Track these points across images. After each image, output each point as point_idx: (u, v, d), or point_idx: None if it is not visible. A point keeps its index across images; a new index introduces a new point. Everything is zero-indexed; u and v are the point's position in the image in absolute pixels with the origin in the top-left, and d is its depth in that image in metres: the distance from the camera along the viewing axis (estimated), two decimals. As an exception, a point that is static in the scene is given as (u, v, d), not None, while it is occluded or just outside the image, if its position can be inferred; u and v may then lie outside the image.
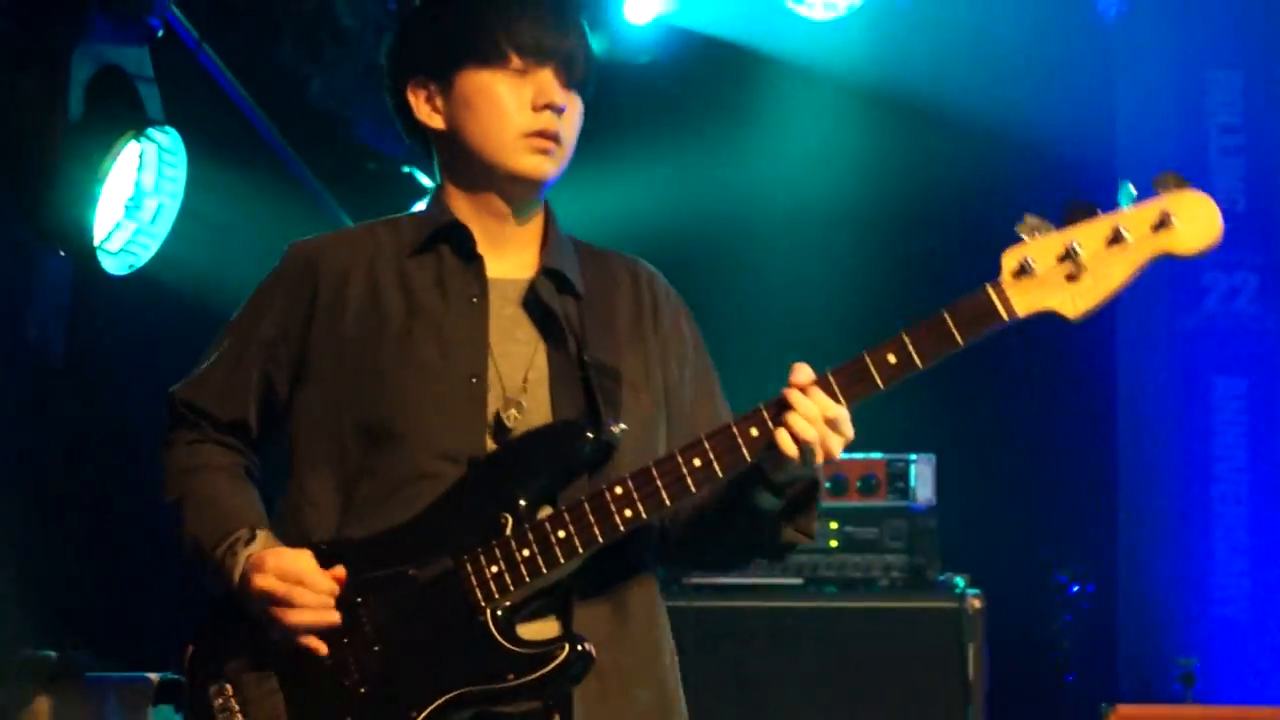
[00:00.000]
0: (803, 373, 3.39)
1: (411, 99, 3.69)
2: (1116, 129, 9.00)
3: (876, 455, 6.81)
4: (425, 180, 8.10)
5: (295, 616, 3.46)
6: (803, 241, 8.54)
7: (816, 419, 3.35)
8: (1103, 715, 6.56)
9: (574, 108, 3.67)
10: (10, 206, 5.69)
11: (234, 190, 7.17)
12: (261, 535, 3.57)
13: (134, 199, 5.91)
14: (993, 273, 3.41)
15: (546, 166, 3.62)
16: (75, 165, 5.62)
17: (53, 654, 4.97)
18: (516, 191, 3.65)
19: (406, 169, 8.04)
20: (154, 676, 5.08)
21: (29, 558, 6.33)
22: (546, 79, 3.60)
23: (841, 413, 3.37)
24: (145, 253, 5.99)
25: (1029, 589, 7.60)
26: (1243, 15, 8.88)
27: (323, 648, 3.46)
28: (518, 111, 3.59)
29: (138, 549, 7.15)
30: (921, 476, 6.82)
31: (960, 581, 6.64)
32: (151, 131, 5.85)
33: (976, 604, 6.51)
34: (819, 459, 3.38)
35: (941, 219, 8.63)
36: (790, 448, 3.35)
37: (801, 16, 8.42)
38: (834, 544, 6.67)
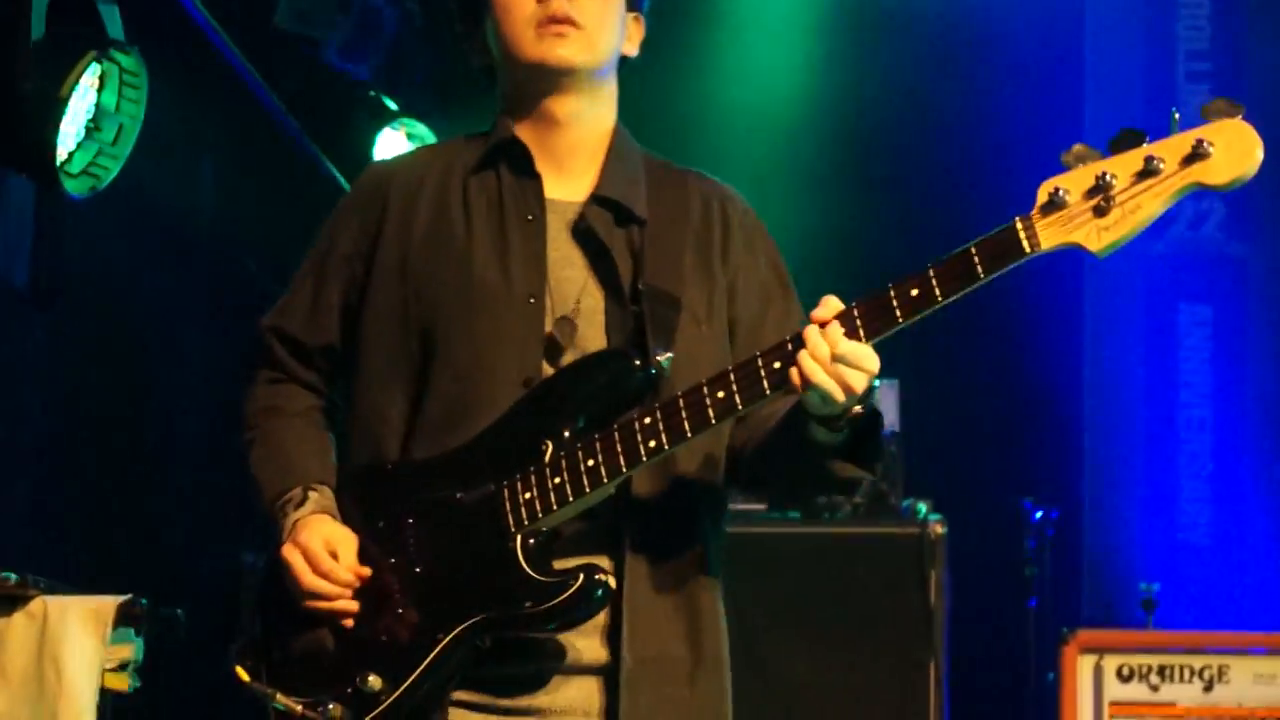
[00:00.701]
0: (825, 306, 3.33)
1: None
2: (1085, 52, 8.98)
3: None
4: (392, 104, 8.06)
5: (309, 602, 3.52)
6: (766, 152, 8.52)
7: (824, 359, 3.26)
8: (1064, 639, 6.60)
9: None
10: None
11: (197, 112, 7.14)
12: (314, 496, 3.60)
13: (94, 119, 5.87)
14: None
15: (563, 51, 3.58)
16: (37, 87, 5.59)
17: (13, 576, 4.95)
18: (552, 85, 3.62)
19: (374, 93, 7.99)
20: (114, 599, 5.05)
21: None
22: None
23: (853, 349, 3.27)
24: (106, 175, 5.96)
25: (993, 515, 7.62)
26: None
27: (342, 625, 3.52)
28: (524, 3, 3.57)
29: (100, 473, 7.18)
30: (885, 401, 6.78)
31: (922, 508, 6.65)
32: (113, 51, 5.81)
33: (939, 530, 6.51)
34: (839, 397, 3.28)
35: (907, 131, 8.61)
36: (800, 386, 3.29)
37: None
38: (796, 468, 6.68)
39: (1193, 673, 6.58)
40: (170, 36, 6.64)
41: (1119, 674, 6.57)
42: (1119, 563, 8.37)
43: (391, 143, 7.92)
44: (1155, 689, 6.57)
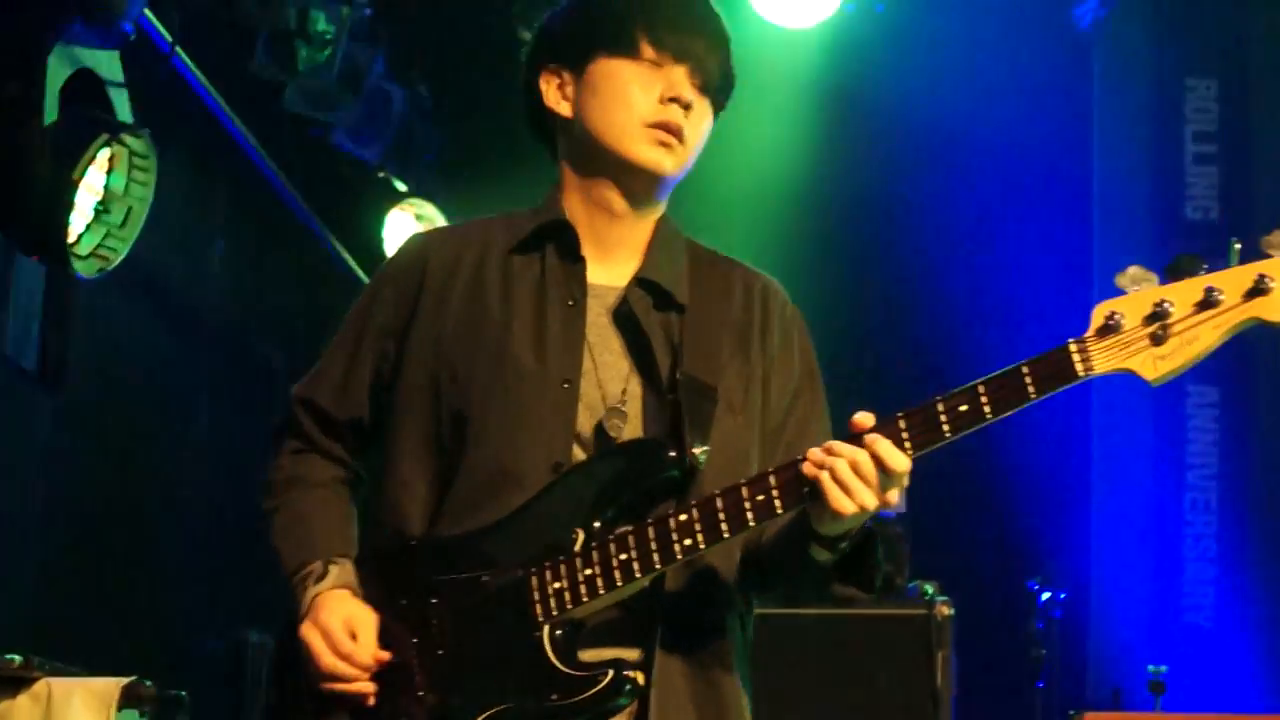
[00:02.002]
0: (863, 419, 3.26)
1: (543, 85, 3.64)
2: (1092, 135, 9.02)
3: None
4: (400, 185, 8.11)
5: (324, 683, 3.48)
6: (754, 235, 8.55)
7: (870, 476, 3.20)
8: (1073, 721, 6.59)
9: (703, 112, 3.60)
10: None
11: (207, 193, 7.19)
12: (334, 571, 3.56)
13: (103, 202, 5.91)
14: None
15: (666, 161, 3.55)
16: (49, 169, 5.62)
17: (17, 658, 4.96)
18: (634, 185, 3.59)
19: (382, 174, 8.05)
20: (118, 680, 5.06)
21: (-2, 563, 6.36)
22: (678, 75, 3.54)
23: (902, 465, 3.21)
24: (115, 256, 5.98)
25: (1000, 597, 7.63)
26: (1218, 23, 8.92)
27: (343, 706, 3.48)
28: (644, 100, 3.54)
29: (107, 557, 7.19)
30: (890, 482, 6.80)
31: (929, 589, 6.63)
32: (123, 135, 5.85)
33: (945, 611, 6.51)
34: (871, 509, 3.22)
35: (920, 227, 8.64)
36: (829, 493, 3.21)
37: (772, 24, 8.34)
38: (803, 549, 6.68)
39: (1203, 757, 6.58)
40: (181, 118, 6.69)
41: (1128, 757, 6.57)
42: (1126, 644, 8.35)
43: (400, 223, 7.97)
44: (1163, 772, 6.57)
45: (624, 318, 3.56)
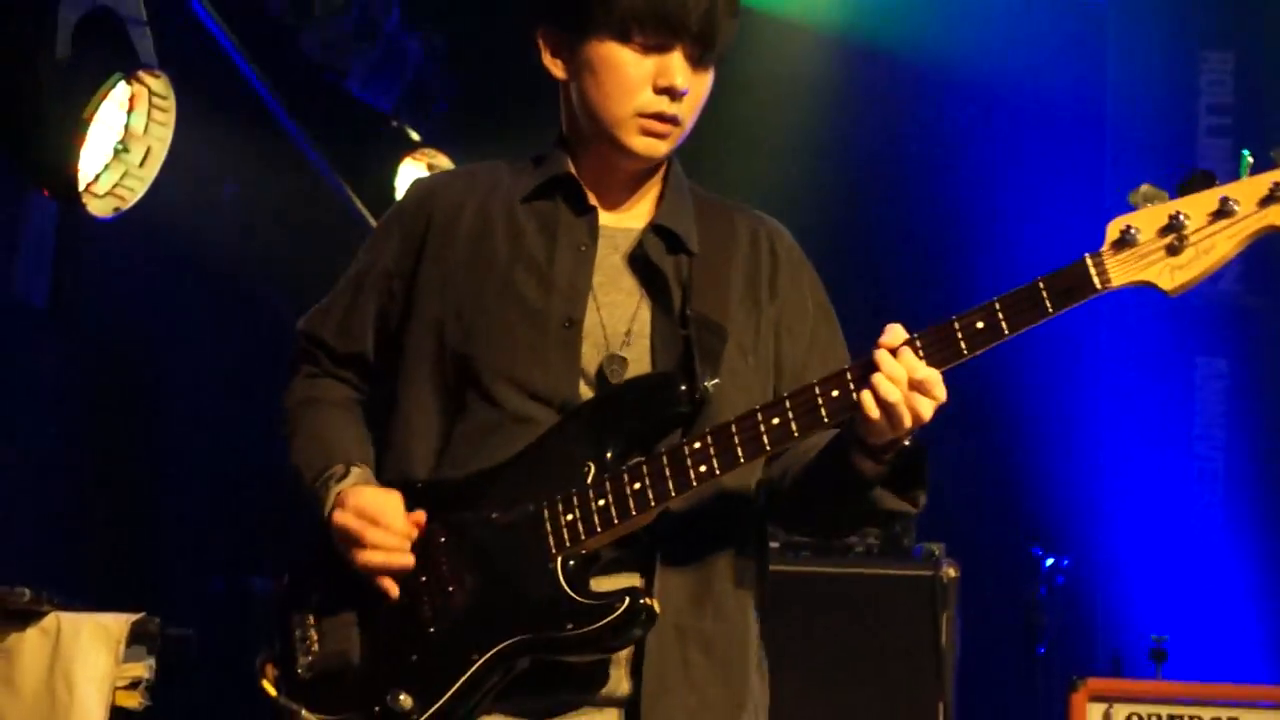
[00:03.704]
0: (894, 334, 3.29)
1: (541, 42, 3.62)
2: (1106, 105, 9.02)
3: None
4: (414, 135, 8.10)
5: (367, 556, 3.47)
6: (785, 190, 8.55)
7: (901, 381, 3.22)
8: (1073, 687, 6.59)
9: (700, 85, 3.57)
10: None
11: (222, 138, 7.18)
12: (356, 471, 3.58)
13: (123, 141, 5.91)
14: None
15: (658, 148, 3.56)
16: (60, 105, 5.61)
17: (27, 591, 4.98)
18: (631, 162, 3.59)
19: (396, 123, 8.04)
20: (128, 617, 5.08)
21: (10, 497, 6.36)
22: (674, 60, 3.51)
23: (930, 374, 3.23)
24: (132, 196, 5.99)
25: (1005, 561, 7.65)
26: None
27: (393, 589, 3.46)
28: (637, 89, 3.51)
29: (113, 495, 7.20)
30: (900, 444, 6.81)
31: (935, 550, 6.64)
32: (142, 74, 5.85)
33: (951, 573, 6.52)
34: (907, 423, 3.23)
35: (928, 185, 8.64)
36: (873, 410, 3.23)
37: None
38: (810, 508, 6.70)
39: (1202, 724, 6.59)
40: (197, 63, 6.68)
41: (1128, 722, 6.58)
42: (1129, 612, 8.38)
43: (412, 173, 7.96)
44: (1164, 738, 6.58)
45: (639, 260, 3.58)
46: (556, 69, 3.61)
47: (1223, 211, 3.17)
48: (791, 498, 3.58)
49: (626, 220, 3.64)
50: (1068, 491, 8.62)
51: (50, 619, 5.03)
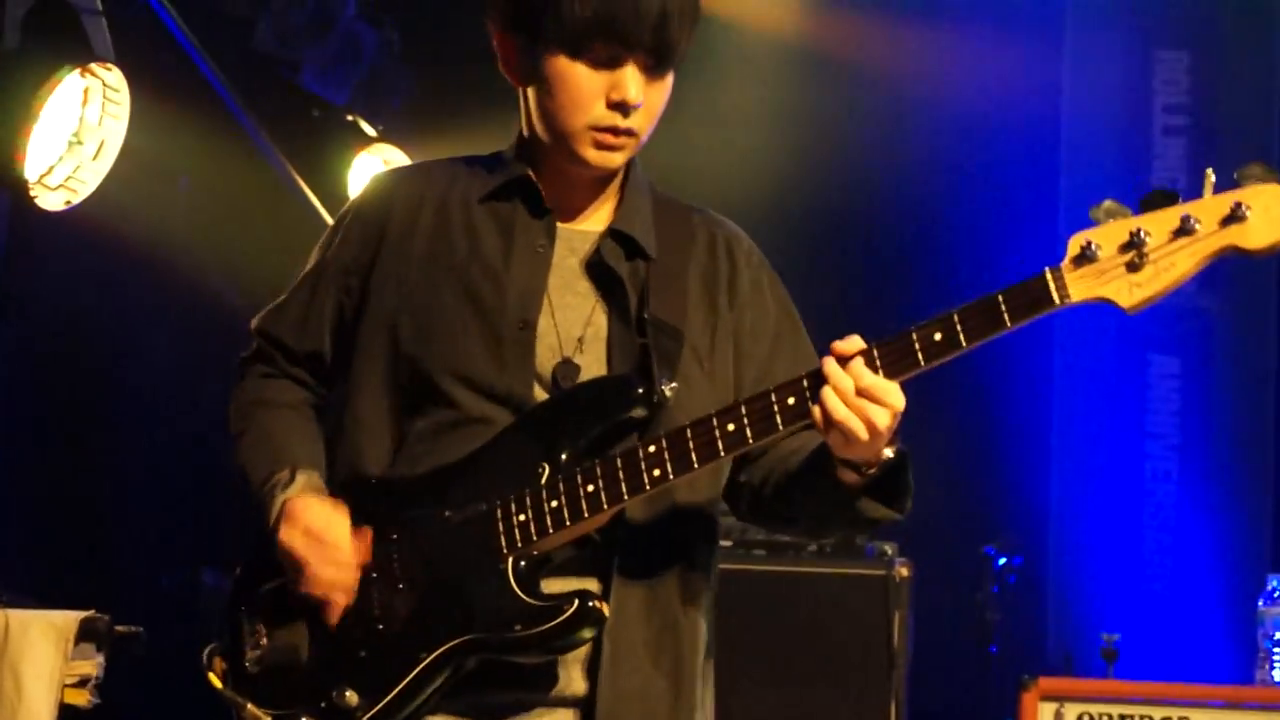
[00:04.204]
0: (849, 343, 3.27)
1: (497, 44, 3.58)
2: (1061, 104, 9.03)
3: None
4: (369, 129, 8.07)
5: (310, 585, 3.45)
6: (740, 203, 8.55)
7: (848, 392, 3.20)
8: (1024, 686, 6.60)
9: (657, 95, 3.53)
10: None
11: (176, 131, 7.14)
12: (302, 478, 3.54)
13: (77, 133, 5.87)
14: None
15: (613, 159, 3.53)
16: (7, 95, 5.58)
17: (-28, 589, 4.96)
18: (586, 171, 3.56)
19: (351, 117, 8.01)
20: (77, 614, 5.05)
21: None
22: (627, 74, 3.46)
23: (877, 382, 3.21)
24: (84, 189, 5.94)
25: (957, 560, 7.65)
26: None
27: (335, 609, 3.44)
28: (590, 103, 3.46)
29: (60, 489, 7.16)
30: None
31: (888, 549, 6.65)
32: (94, 67, 5.81)
33: (904, 572, 6.53)
34: (862, 435, 3.21)
35: (882, 185, 8.64)
36: (822, 424, 3.22)
37: None
38: (764, 507, 6.70)
39: (1153, 723, 6.61)
40: (151, 55, 6.64)
41: (1079, 722, 6.59)
42: (1081, 611, 8.41)
43: (367, 167, 7.93)
44: (1115, 738, 6.60)
45: (595, 266, 3.56)
46: (512, 75, 3.57)
47: (1184, 229, 3.15)
48: (776, 505, 3.57)
49: (584, 224, 3.61)
50: (1020, 491, 8.65)
51: (-1, 617, 5.00)
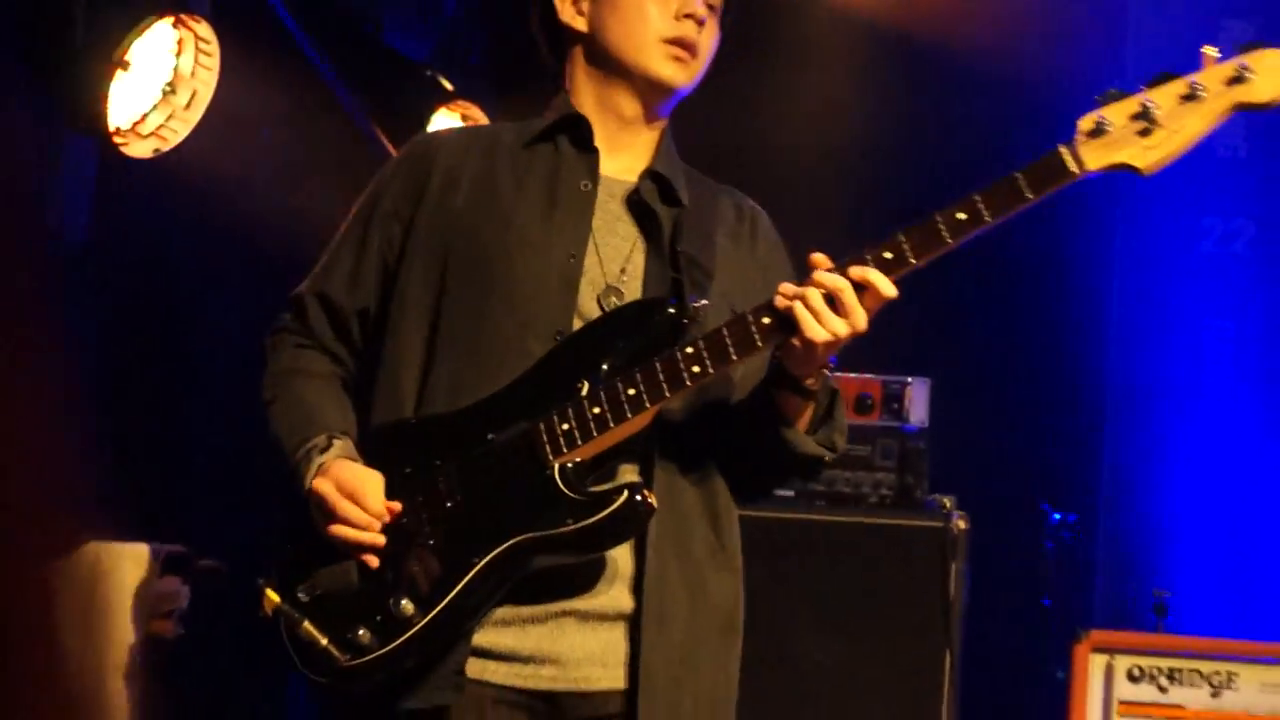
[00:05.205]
0: (819, 258, 3.45)
1: (558, 0, 3.75)
2: (1127, 68, 8.98)
3: (872, 376, 6.82)
4: (447, 85, 8.10)
5: (338, 530, 3.51)
6: (819, 176, 8.53)
7: (845, 299, 3.36)
8: (1077, 638, 6.62)
9: (712, 25, 3.73)
10: (37, 86, 5.70)
11: (261, 84, 7.18)
12: (339, 443, 3.61)
13: (170, 84, 5.91)
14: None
15: (680, 75, 3.69)
16: (94, 43, 5.62)
17: (69, 521, 5.01)
18: (649, 96, 3.72)
19: (430, 73, 8.03)
20: (162, 548, 5.12)
21: (51, 429, 6.38)
22: None
23: (883, 285, 3.37)
24: (175, 138, 5.99)
25: (1013, 515, 7.66)
26: (1259, -34, 8.89)
27: (371, 561, 3.51)
28: (660, 17, 3.65)
29: (151, 426, 7.23)
30: (916, 399, 6.82)
31: (947, 503, 6.66)
32: (186, 18, 5.85)
33: (961, 525, 6.54)
34: (840, 334, 3.36)
35: (948, 163, 8.61)
36: (803, 320, 3.37)
37: None
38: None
39: (1202, 677, 6.59)
40: (239, 10, 6.68)
41: (1129, 675, 6.58)
42: (1133, 567, 8.40)
43: (445, 123, 7.95)
44: (1164, 691, 6.59)
45: (635, 203, 3.69)
46: (578, 21, 3.73)
47: (1191, 95, 3.29)
48: (726, 462, 3.67)
49: (623, 173, 3.74)
50: (1076, 451, 8.64)
51: (90, 549, 5.05)
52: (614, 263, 3.63)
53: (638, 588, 3.54)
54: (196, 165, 6.66)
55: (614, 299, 3.59)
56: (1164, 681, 6.60)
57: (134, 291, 7.19)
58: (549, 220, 3.63)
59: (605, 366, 3.48)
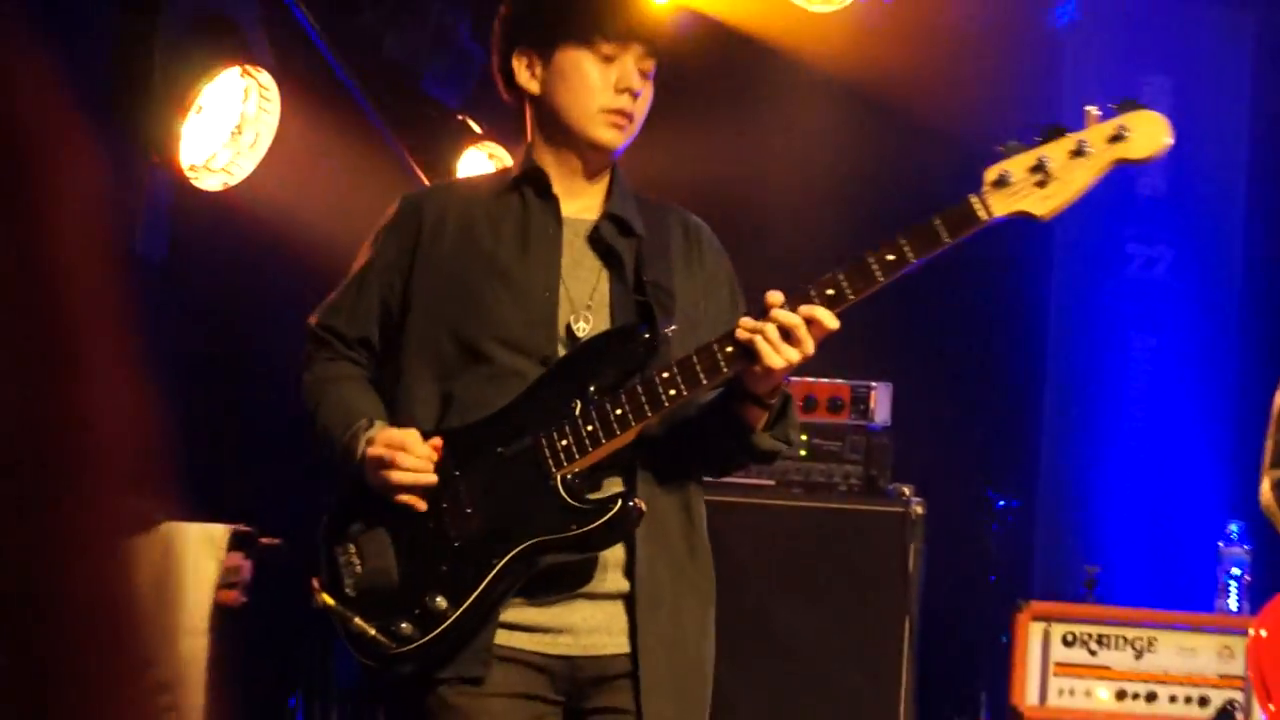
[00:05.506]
0: (774, 296, 3.54)
1: (515, 64, 3.80)
2: (1064, 117, 8.96)
3: (842, 381, 6.84)
4: (476, 128, 8.10)
5: (396, 476, 3.60)
6: (792, 219, 8.49)
7: (797, 334, 3.46)
8: (1018, 608, 6.62)
9: (646, 91, 3.79)
10: (124, 126, 5.73)
11: (313, 126, 7.18)
12: (380, 424, 3.71)
13: (239, 126, 5.94)
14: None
15: (618, 139, 3.75)
16: (169, 88, 5.66)
17: (147, 504, 4.99)
18: (590, 155, 3.78)
19: (462, 117, 8.03)
20: (228, 527, 5.11)
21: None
22: (628, 65, 3.72)
23: (829, 320, 3.47)
24: (240, 173, 6.02)
25: (963, 501, 7.65)
26: (1173, 27, 8.88)
27: (420, 504, 3.62)
28: (602, 90, 3.71)
29: (219, 422, 7.22)
30: (880, 400, 6.84)
31: (906, 491, 6.67)
32: (249, 68, 5.87)
33: (919, 510, 6.54)
34: (794, 361, 3.47)
35: (903, 207, 8.55)
36: (763, 351, 3.46)
37: (797, 5, 8.10)
38: (804, 453, 6.70)
39: (1126, 642, 6.60)
40: (296, 61, 6.68)
41: (1063, 640, 6.59)
42: (1067, 546, 8.40)
43: (475, 159, 7.97)
44: (1094, 654, 6.59)
45: (597, 241, 3.78)
46: (532, 85, 3.79)
47: (1079, 152, 3.39)
48: (697, 445, 3.78)
49: (583, 213, 3.82)
50: (1019, 446, 8.65)
51: (163, 528, 5.06)
52: (582, 294, 3.72)
53: (630, 573, 3.66)
54: (259, 197, 6.67)
55: (582, 323, 3.67)
56: (1093, 646, 6.60)
57: (203, 303, 7.19)
58: (524, 261, 3.72)
59: (592, 388, 3.58)
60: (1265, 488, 4.19)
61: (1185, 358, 8.70)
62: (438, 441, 3.63)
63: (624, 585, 3.66)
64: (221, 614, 5.11)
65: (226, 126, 5.90)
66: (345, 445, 3.69)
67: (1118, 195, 8.78)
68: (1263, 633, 4.01)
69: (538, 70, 3.77)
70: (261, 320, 7.74)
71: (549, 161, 3.79)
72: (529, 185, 3.79)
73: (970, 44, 8.54)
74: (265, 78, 5.94)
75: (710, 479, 3.89)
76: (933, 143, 8.44)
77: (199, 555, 5.06)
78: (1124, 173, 9.43)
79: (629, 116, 3.75)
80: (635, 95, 3.73)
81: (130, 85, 5.65)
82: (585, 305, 3.70)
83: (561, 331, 3.68)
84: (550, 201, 3.77)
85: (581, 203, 3.82)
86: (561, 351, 3.66)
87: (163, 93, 5.65)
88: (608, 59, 3.71)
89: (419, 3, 7.07)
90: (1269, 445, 4.20)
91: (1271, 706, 3.96)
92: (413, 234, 3.80)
